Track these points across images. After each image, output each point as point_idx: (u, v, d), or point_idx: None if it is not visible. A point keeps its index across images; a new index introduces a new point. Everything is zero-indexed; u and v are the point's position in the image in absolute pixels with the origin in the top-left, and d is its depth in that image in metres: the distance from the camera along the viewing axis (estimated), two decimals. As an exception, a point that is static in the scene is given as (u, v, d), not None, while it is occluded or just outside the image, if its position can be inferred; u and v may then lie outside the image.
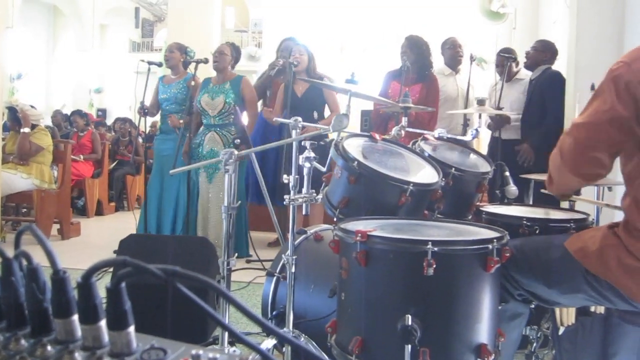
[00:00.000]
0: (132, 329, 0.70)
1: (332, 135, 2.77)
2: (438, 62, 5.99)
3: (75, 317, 0.72)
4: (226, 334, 2.50)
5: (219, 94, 5.54)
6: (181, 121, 5.56)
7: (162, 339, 0.73)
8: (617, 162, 1.91)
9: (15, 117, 6.43)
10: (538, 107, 5.29)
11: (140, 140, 9.60)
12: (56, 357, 0.70)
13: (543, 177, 2.99)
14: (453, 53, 5.84)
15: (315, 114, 5.37)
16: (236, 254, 2.61)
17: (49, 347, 0.71)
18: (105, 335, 0.70)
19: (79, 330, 0.72)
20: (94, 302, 0.69)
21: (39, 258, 0.75)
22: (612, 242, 1.83)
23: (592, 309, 2.41)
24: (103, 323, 0.70)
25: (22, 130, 6.31)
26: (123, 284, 0.69)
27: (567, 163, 1.87)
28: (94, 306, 0.69)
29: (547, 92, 5.23)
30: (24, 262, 0.77)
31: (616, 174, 2.00)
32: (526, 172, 3.15)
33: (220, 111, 5.52)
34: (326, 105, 5.65)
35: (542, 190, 2.98)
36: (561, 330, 2.45)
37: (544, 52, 5.46)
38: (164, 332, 3.09)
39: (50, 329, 0.74)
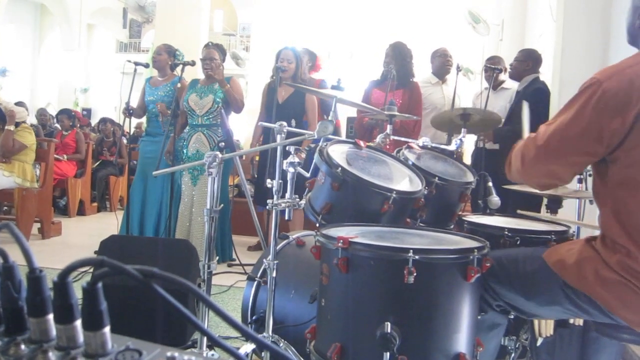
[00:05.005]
0: (107, 329, 0.69)
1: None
2: (424, 71, 6.03)
3: (50, 317, 0.71)
4: (205, 337, 2.49)
5: (208, 94, 5.51)
6: (169, 111, 5.50)
7: (137, 340, 0.72)
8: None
9: None
10: (519, 118, 5.31)
11: (124, 141, 9.55)
12: (30, 356, 0.69)
13: (525, 188, 3.02)
14: (443, 61, 5.87)
15: (293, 122, 5.31)
16: (217, 257, 2.60)
17: (22, 346, 0.70)
18: (80, 336, 0.70)
19: (53, 330, 0.71)
20: (70, 302, 0.69)
21: (16, 256, 0.75)
22: (590, 255, 1.84)
23: (571, 321, 2.42)
24: (78, 323, 0.69)
25: (6, 127, 6.27)
26: (100, 284, 0.68)
27: (527, 171, 1.92)
28: (69, 306, 0.69)
29: (532, 106, 5.25)
30: (0, 260, 0.76)
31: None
32: (509, 184, 3.17)
33: (208, 111, 5.48)
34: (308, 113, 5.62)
35: (519, 212, 3.01)
36: (539, 342, 2.46)
37: (525, 61, 5.50)
38: (143, 334, 3.06)
39: (25, 328, 0.74)
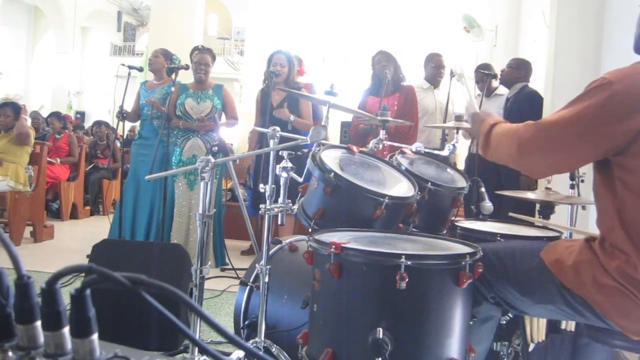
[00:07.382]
0: (95, 336, 0.69)
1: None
2: (417, 75, 6.05)
3: (38, 324, 0.71)
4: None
5: (205, 99, 5.52)
6: (162, 108, 5.47)
7: (126, 348, 0.72)
8: (592, 181, 1.93)
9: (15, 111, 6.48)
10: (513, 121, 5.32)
11: (118, 144, 9.52)
12: (17, 363, 0.69)
13: (518, 194, 3.02)
14: (435, 73, 5.90)
15: (290, 126, 5.34)
16: (210, 262, 2.60)
17: (10, 353, 0.70)
18: (69, 343, 0.69)
19: (41, 337, 0.71)
20: (58, 309, 0.68)
21: (4, 262, 0.74)
22: (588, 258, 1.83)
23: (563, 325, 2.43)
24: (66, 330, 0.69)
25: (21, 116, 6.43)
26: (88, 291, 0.68)
27: (522, 155, 1.87)
28: (57, 313, 0.68)
29: (526, 111, 5.27)
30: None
31: (589, 194, 2.02)
32: (502, 189, 3.18)
33: (206, 116, 5.49)
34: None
35: (510, 214, 3.01)
36: (531, 347, 2.46)
37: (518, 69, 5.53)
38: (136, 338, 3.06)
39: (13, 335, 0.73)
